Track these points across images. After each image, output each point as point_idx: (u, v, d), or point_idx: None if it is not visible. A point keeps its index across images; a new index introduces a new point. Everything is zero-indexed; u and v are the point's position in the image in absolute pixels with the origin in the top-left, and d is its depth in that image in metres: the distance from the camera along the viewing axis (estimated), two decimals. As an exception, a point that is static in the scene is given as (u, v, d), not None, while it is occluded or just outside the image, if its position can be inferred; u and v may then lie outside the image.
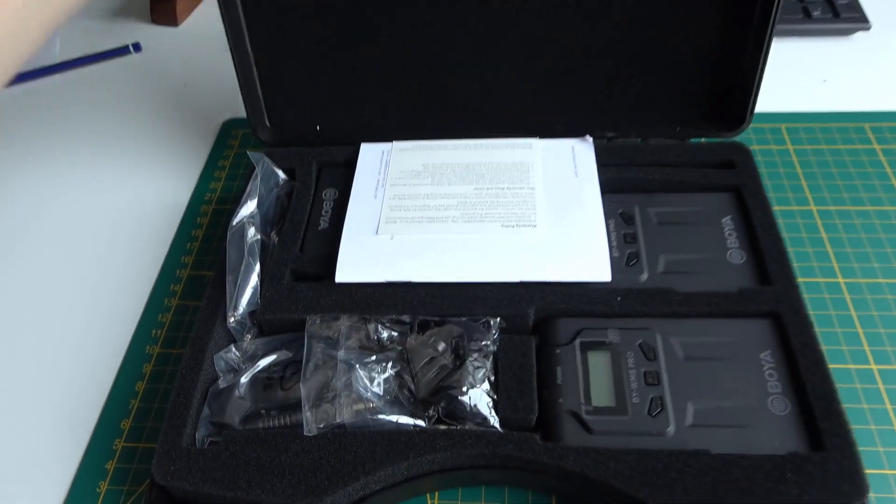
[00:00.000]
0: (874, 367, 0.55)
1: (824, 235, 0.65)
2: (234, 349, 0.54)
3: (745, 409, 0.47)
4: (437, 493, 0.50)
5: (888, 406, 0.52)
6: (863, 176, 0.69)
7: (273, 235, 0.61)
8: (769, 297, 0.52)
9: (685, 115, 0.65)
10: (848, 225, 0.65)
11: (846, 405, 0.46)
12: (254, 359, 0.53)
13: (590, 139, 0.64)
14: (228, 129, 0.82)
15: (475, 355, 0.50)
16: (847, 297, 0.59)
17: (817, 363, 0.48)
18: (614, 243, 0.57)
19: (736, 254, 0.56)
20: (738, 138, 0.64)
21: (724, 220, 0.59)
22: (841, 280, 0.61)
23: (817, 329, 0.50)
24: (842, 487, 0.42)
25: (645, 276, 0.55)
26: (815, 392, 0.46)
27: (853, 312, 0.58)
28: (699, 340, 0.51)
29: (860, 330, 0.57)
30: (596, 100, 0.65)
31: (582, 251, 0.55)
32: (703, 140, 0.66)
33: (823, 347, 0.49)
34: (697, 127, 0.65)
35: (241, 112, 0.68)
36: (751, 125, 0.63)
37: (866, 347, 0.56)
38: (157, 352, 0.62)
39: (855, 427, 0.45)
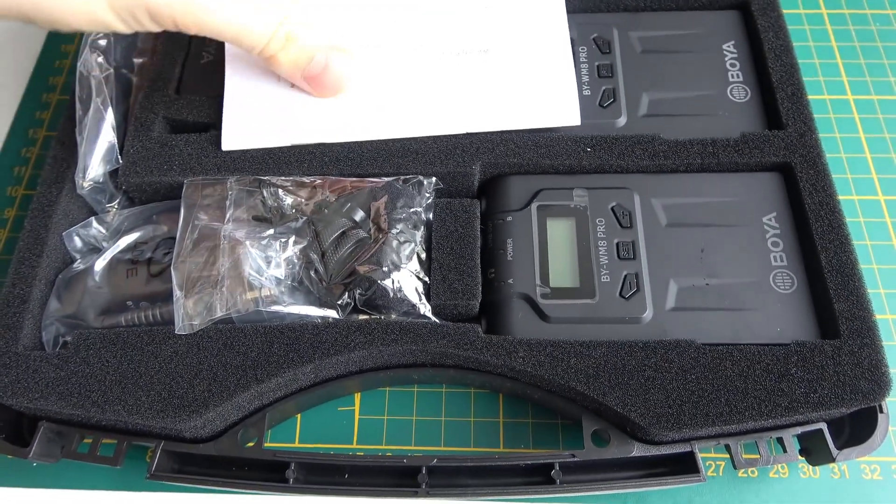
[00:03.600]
0: None
1: (835, 44, 0.52)
2: (94, 223, 0.42)
3: (743, 287, 0.37)
4: (357, 396, 0.41)
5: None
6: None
7: (137, 71, 0.46)
8: (779, 144, 0.41)
9: None
10: (863, 31, 0.53)
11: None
12: (118, 235, 0.41)
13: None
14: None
15: (401, 226, 0.38)
16: (857, 119, 0.49)
17: (835, 228, 0.38)
18: (585, 78, 0.44)
19: (739, 90, 0.44)
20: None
21: (725, 46, 0.46)
22: (850, 97, 0.50)
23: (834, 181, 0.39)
24: (858, 384, 0.33)
25: (623, 120, 0.43)
26: (830, 264, 0.37)
27: (865, 141, 0.48)
28: (689, 202, 0.40)
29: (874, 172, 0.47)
30: None
31: (543, 88, 0.42)
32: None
33: (841, 207, 0.39)
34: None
35: None
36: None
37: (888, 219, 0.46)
38: (21, 193, 0.49)
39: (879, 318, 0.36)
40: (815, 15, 0.54)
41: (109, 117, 0.42)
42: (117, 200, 0.43)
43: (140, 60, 0.47)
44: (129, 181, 0.42)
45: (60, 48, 0.56)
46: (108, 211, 0.43)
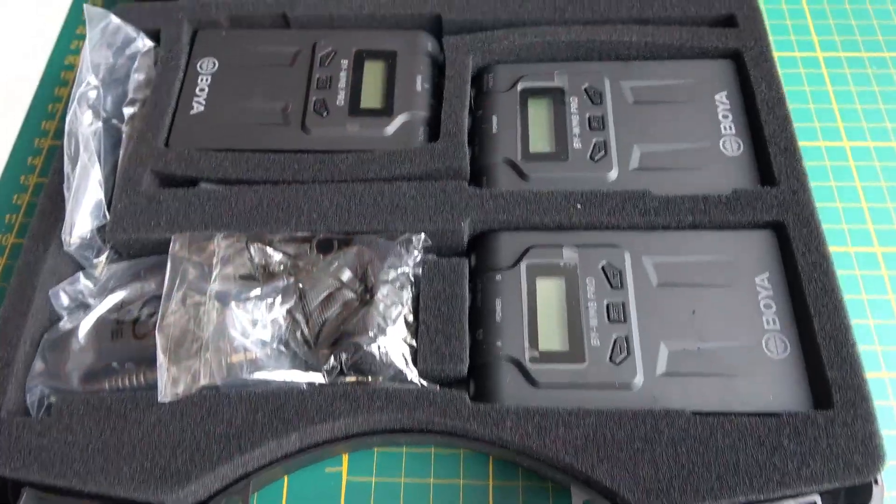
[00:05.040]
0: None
1: (830, 88, 0.52)
2: (81, 278, 0.42)
3: (735, 352, 0.37)
4: (345, 456, 0.40)
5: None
6: (883, 14, 0.55)
7: (128, 122, 0.46)
8: (772, 201, 0.40)
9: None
10: (859, 76, 0.52)
11: (862, 346, 0.36)
12: (105, 292, 0.41)
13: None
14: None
15: (388, 288, 0.38)
16: (853, 166, 0.48)
17: (829, 291, 0.37)
18: (576, 130, 0.44)
19: (731, 142, 0.44)
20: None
21: (718, 96, 0.45)
22: (846, 143, 0.49)
23: (829, 244, 0.39)
24: (852, 458, 0.33)
25: (614, 174, 0.42)
26: (823, 329, 0.36)
27: (861, 190, 0.47)
28: (680, 260, 0.39)
29: (870, 223, 0.46)
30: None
31: None
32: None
33: (835, 267, 0.38)
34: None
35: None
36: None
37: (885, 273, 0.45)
38: (12, 242, 0.49)
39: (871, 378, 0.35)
40: (811, 58, 0.54)
41: (96, 173, 0.42)
42: (105, 255, 0.43)
43: (130, 110, 0.47)
44: (117, 237, 0.41)
45: (53, 91, 0.56)
46: (96, 266, 0.42)
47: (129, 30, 0.48)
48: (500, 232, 0.41)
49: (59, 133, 0.54)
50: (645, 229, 0.40)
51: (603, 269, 0.39)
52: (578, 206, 0.41)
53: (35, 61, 0.58)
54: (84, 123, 0.43)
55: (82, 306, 0.41)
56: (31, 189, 0.51)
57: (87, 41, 0.46)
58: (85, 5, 0.47)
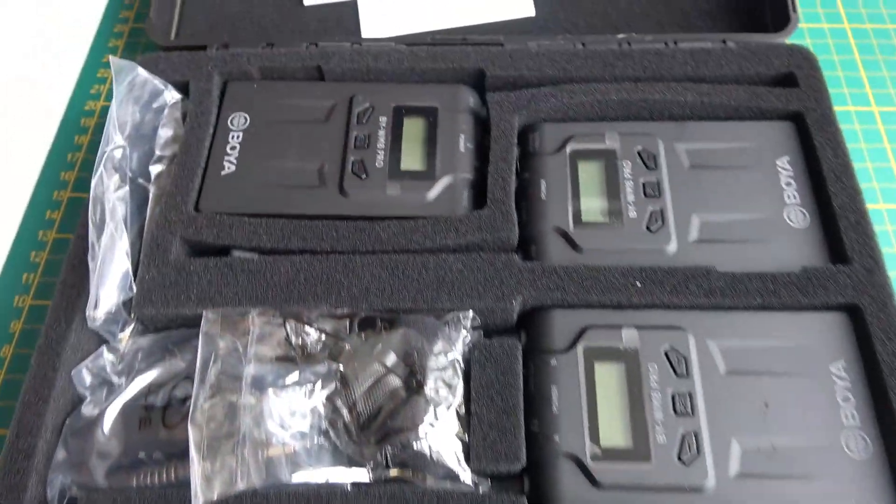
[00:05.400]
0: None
1: (888, 146, 0.50)
2: (105, 353, 0.39)
3: (811, 452, 0.34)
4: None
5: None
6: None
7: (154, 181, 0.44)
8: (845, 282, 0.38)
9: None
10: None
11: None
12: (131, 371, 0.38)
13: None
14: (113, 17, 0.61)
15: (437, 377, 0.35)
16: None
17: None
18: (630, 198, 0.41)
19: (796, 213, 0.41)
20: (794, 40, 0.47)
21: (780, 161, 0.43)
22: None
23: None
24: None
25: (673, 247, 0.40)
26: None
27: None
28: (750, 345, 0.37)
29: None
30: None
31: None
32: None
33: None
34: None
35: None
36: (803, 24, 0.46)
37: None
38: (29, 304, 0.46)
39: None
40: (866, 113, 0.52)
41: (123, 244, 0.39)
42: (130, 327, 0.40)
43: (157, 168, 0.45)
44: (143, 312, 0.39)
45: (73, 140, 0.54)
46: (121, 339, 0.40)
47: (157, 82, 0.46)
48: (554, 310, 0.38)
49: (80, 184, 0.52)
50: (710, 310, 0.38)
51: (666, 353, 0.37)
52: (638, 284, 0.38)
53: (55, 103, 0.56)
54: (110, 189, 0.40)
55: (105, 383, 0.39)
56: (50, 246, 0.49)
57: (114, 98, 0.44)
58: (111, 58, 0.45)
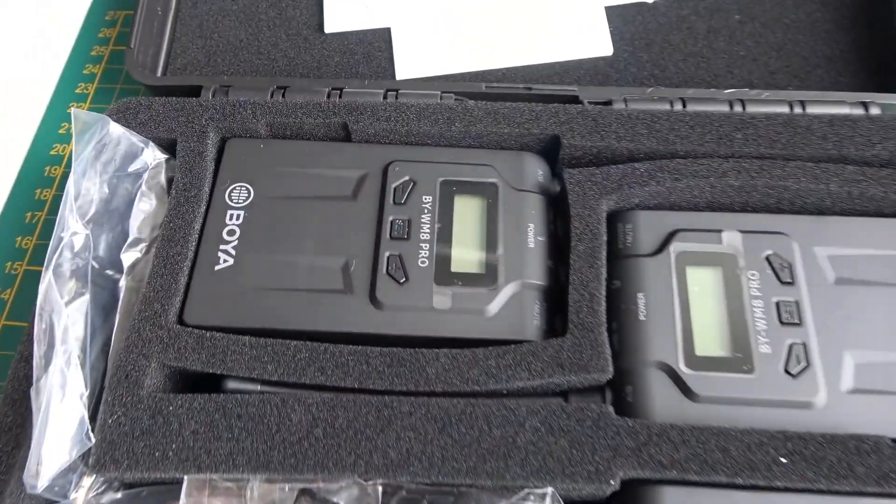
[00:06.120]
0: None
1: None
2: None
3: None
4: None
5: None
6: None
7: (127, 275, 0.33)
8: None
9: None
10: None
11: None
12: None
13: None
14: (88, 45, 0.50)
15: None
16: None
17: None
18: (760, 325, 0.31)
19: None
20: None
21: (950, 273, 0.33)
22: None
23: None
24: None
25: (822, 399, 0.29)
26: None
27: None
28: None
29: None
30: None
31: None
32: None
33: None
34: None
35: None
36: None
37: None
38: None
39: None
40: None
41: (77, 381, 0.29)
42: (89, 482, 0.30)
43: (132, 257, 0.34)
44: (105, 473, 0.28)
45: (34, 194, 0.43)
46: (74, 501, 0.29)
47: (134, 139, 0.36)
48: (665, 487, 0.28)
49: (37, 254, 0.41)
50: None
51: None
52: (783, 460, 0.28)
53: (14, 150, 0.45)
54: (61, 300, 0.29)
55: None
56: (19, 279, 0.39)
57: (73, 164, 0.33)
58: (73, 110, 0.34)
